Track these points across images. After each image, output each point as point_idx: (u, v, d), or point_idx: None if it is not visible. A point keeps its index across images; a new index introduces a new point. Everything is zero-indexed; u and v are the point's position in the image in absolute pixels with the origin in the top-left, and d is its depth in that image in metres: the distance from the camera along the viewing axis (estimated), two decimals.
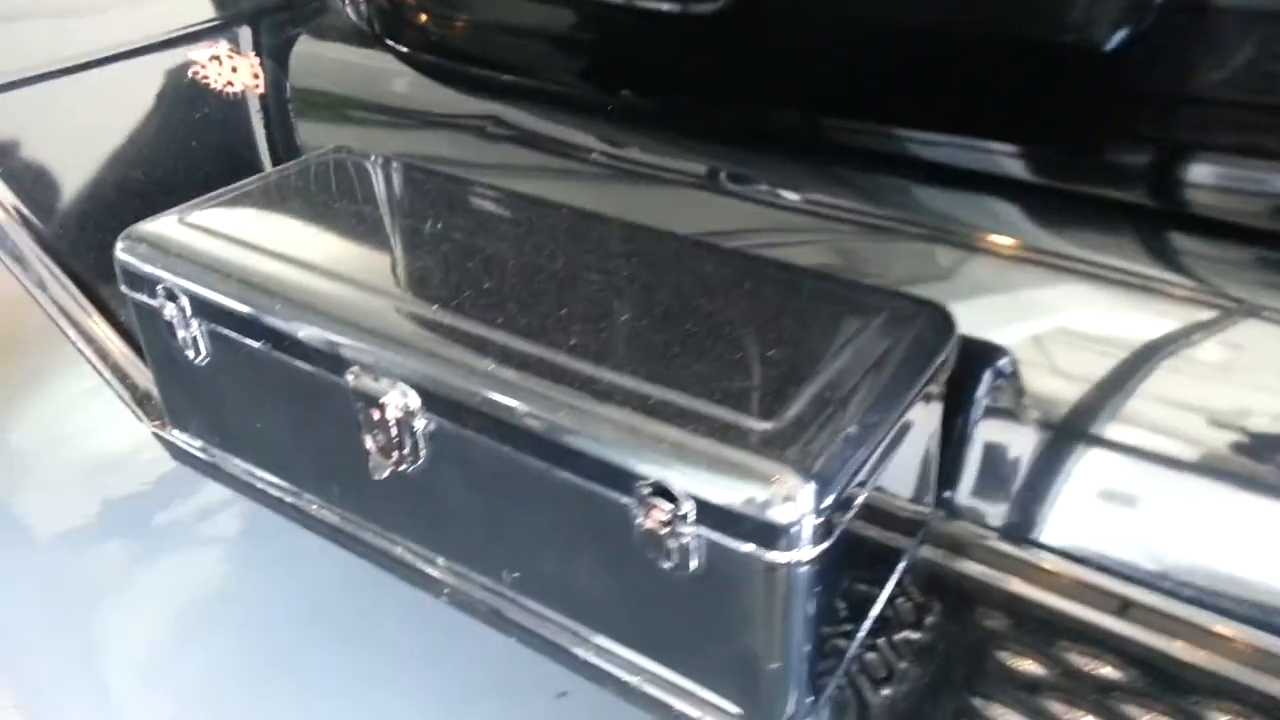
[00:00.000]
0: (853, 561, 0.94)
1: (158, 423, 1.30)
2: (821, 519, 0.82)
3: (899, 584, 1.08)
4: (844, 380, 0.91)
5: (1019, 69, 1.12)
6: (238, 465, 1.23)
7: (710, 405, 0.87)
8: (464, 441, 0.97)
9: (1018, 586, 1.08)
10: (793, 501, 0.80)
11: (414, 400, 0.98)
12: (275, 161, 1.61)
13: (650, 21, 1.30)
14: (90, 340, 1.35)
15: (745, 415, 0.86)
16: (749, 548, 0.83)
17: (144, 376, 1.37)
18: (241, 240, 1.15)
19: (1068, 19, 1.05)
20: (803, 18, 1.20)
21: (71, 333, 1.35)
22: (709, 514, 0.83)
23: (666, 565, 0.88)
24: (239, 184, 1.28)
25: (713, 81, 1.33)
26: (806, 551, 0.82)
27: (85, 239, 1.42)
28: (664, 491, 0.85)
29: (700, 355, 0.95)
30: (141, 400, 1.34)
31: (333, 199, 1.25)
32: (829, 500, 0.82)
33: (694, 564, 0.87)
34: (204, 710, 1.45)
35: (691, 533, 0.85)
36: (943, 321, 1.02)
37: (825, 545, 0.83)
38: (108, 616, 1.65)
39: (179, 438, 1.28)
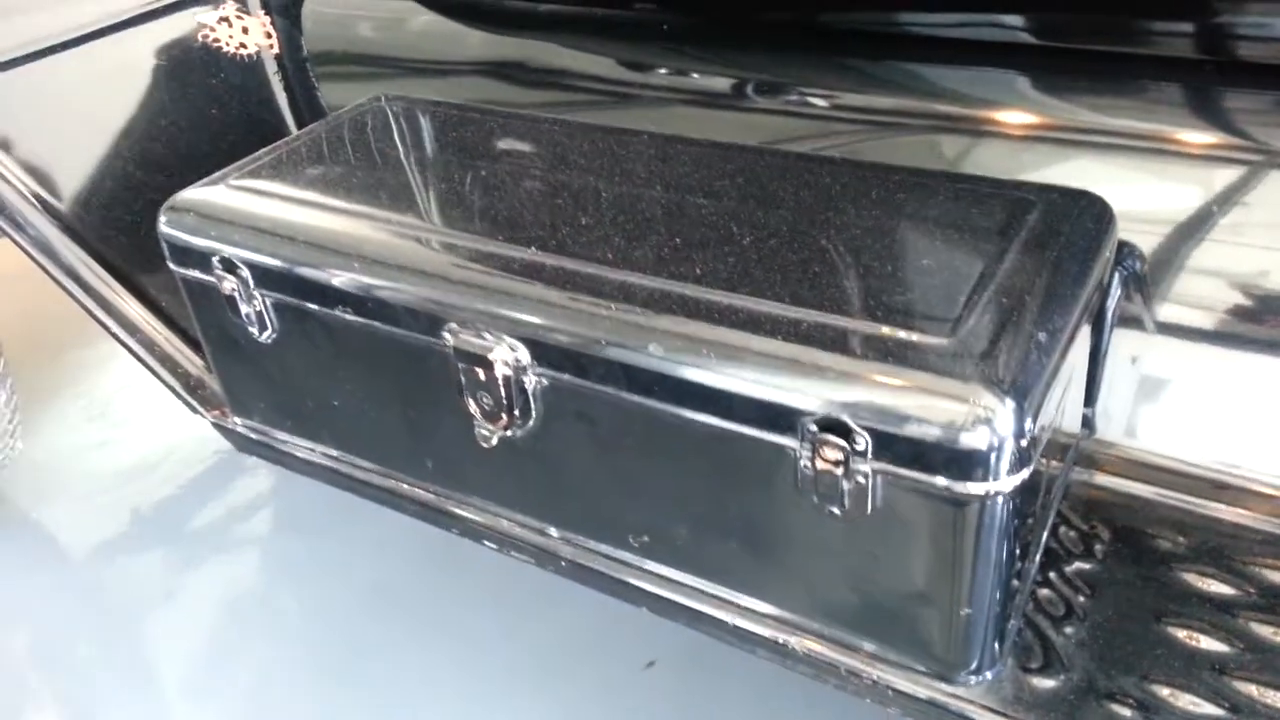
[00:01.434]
0: (1035, 488, 0.84)
1: (216, 412, 1.19)
2: (1025, 440, 0.72)
3: (1058, 512, 1.00)
4: (1017, 283, 0.81)
5: None
6: (312, 449, 1.12)
7: (875, 325, 0.77)
8: (584, 396, 0.87)
9: (1186, 503, 0.99)
10: (992, 423, 0.71)
11: (524, 355, 0.88)
12: (300, 123, 1.49)
13: None
14: (132, 330, 1.24)
15: (918, 332, 0.76)
16: (939, 481, 0.73)
17: (193, 364, 1.26)
18: (304, 199, 1.04)
19: None
20: None
21: (111, 323, 1.24)
22: (890, 447, 0.74)
23: (836, 510, 0.79)
24: (282, 142, 1.16)
25: None
26: (1006, 481, 0.73)
27: (113, 221, 1.30)
28: (835, 426, 0.75)
29: (847, 272, 0.84)
30: (193, 389, 1.24)
31: (392, 147, 1.14)
32: (1030, 419, 0.72)
33: (870, 506, 0.77)
34: (256, 716, 1.37)
35: (869, 470, 0.75)
36: (1102, 211, 0.92)
37: (1026, 471, 0.74)
38: (152, 626, 1.57)
39: (242, 425, 1.17)
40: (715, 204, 0.96)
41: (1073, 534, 0.97)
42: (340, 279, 0.95)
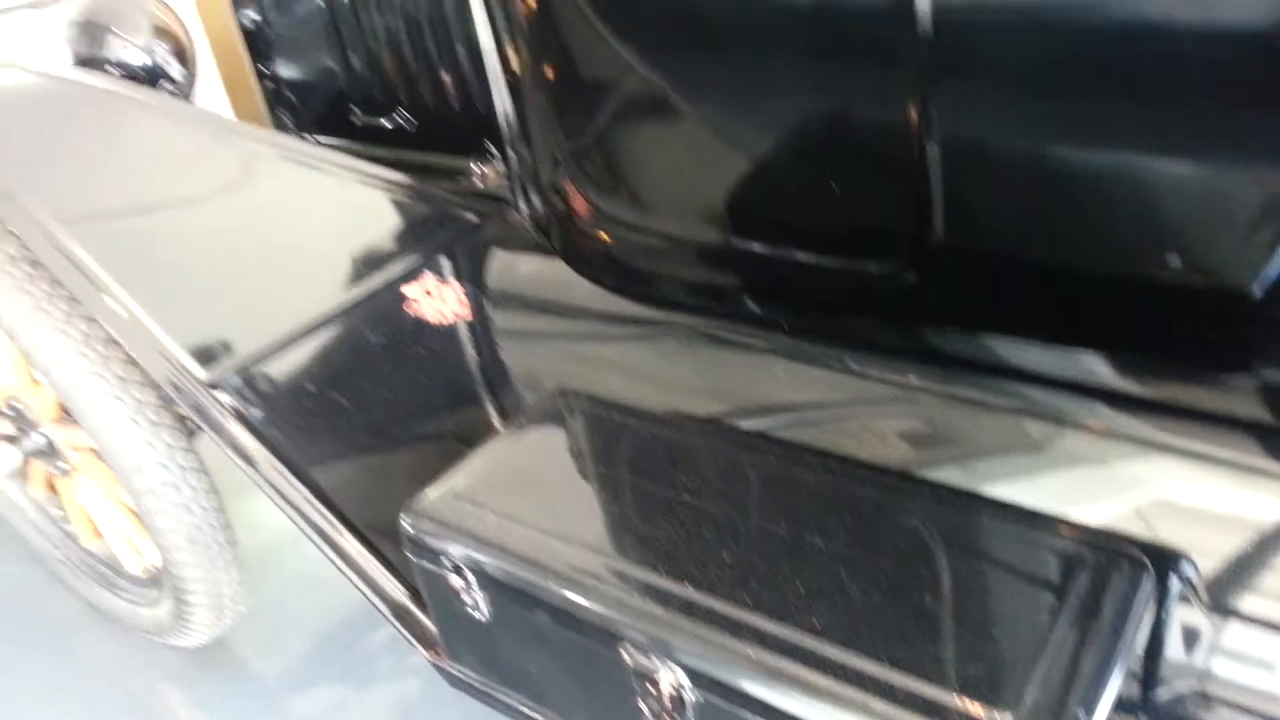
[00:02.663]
0: None
1: (432, 652, 1.52)
2: None
3: None
4: (1065, 653, 1.05)
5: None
6: (511, 697, 1.44)
7: (954, 696, 1.03)
8: (732, 715, 1.14)
9: None
10: None
11: (683, 678, 1.16)
12: (490, 390, 1.82)
13: (830, 275, 1.47)
14: (363, 575, 1.58)
15: (988, 706, 1.01)
16: None
17: (407, 598, 1.59)
18: (509, 514, 1.36)
19: None
20: (986, 281, 1.35)
21: (338, 560, 1.58)
22: None
23: None
24: (488, 446, 1.49)
25: (889, 313, 1.49)
26: None
27: (354, 478, 1.65)
28: None
29: (933, 632, 1.10)
30: (405, 620, 1.56)
31: (573, 459, 1.46)
32: None
33: None
34: None
35: None
36: (1142, 572, 1.15)
37: None
38: None
39: (455, 668, 1.49)
40: (829, 545, 1.23)
41: None
42: (538, 593, 1.26)
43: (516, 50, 1.78)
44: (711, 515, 1.31)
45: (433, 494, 1.41)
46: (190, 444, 1.91)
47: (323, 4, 2.18)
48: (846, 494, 1.31)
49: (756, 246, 1.59)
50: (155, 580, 2.21)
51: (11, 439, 2.19)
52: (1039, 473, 1.40)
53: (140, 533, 2.14)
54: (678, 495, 1.35)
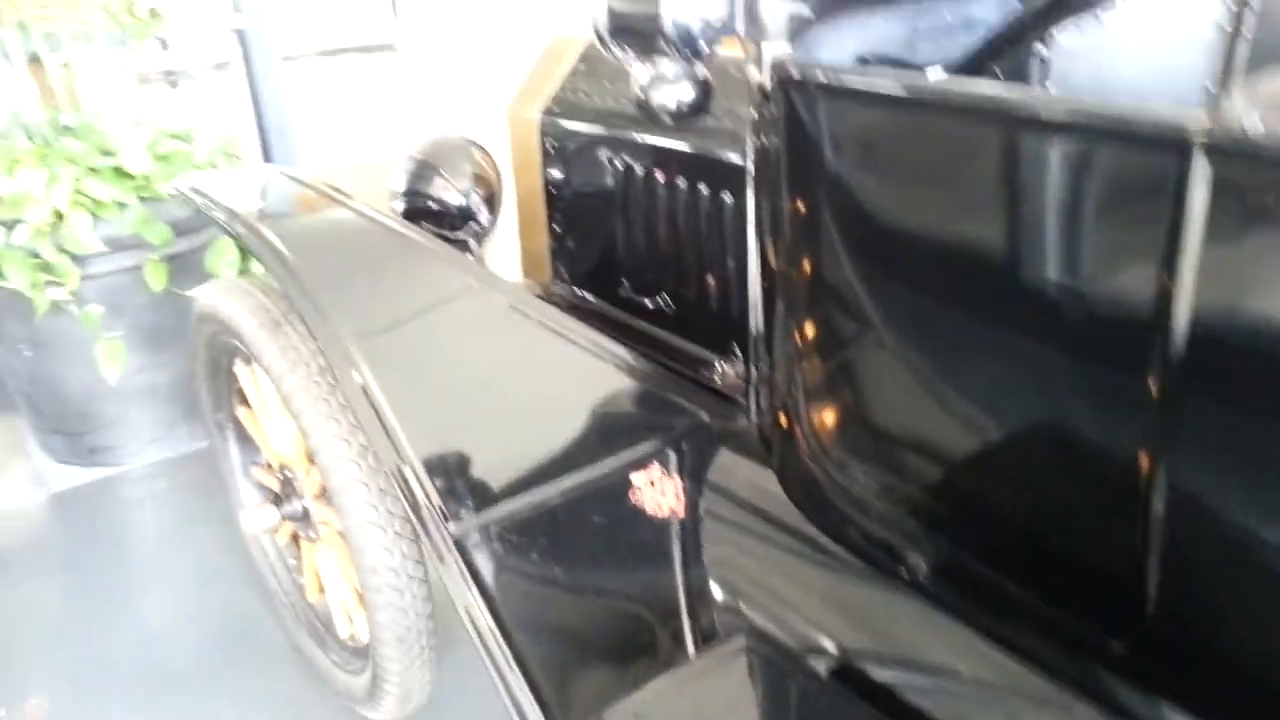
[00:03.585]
0: None
1: None
2: None
3: None
4: None
5: None
6: None
7: None
8: None
9: None
10: None
11: None
12: (689, 592, 1.96)
13: (1030, 610, 1.52)
14: None
15: None
16: None
17: None
18: None
19: None
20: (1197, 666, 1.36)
21: None
22: None
23: None
24: (675, 673, 1.64)
25: (1080, 662, 1.51)
26: None
27: (549, 646, 1.83)
28: None
29: None
30: None
31: (749, 707, 1.57)
32: None
33: None
34: None
35: None
36: None
37: None
38: None
39: None
40: None
41: None
42: None
43: (776, 264, 1.92)
44: None
45: (620, 715, 1.57)
46: (421, 555, 2.16)
47: (620, 180, 2.43)
48: None
49: (957, 543, 1.64)
50: (360, 653, 2.49)
51: (276, 500, 2.54)
52: None
53: (358, 609, 2.43)
54: None
